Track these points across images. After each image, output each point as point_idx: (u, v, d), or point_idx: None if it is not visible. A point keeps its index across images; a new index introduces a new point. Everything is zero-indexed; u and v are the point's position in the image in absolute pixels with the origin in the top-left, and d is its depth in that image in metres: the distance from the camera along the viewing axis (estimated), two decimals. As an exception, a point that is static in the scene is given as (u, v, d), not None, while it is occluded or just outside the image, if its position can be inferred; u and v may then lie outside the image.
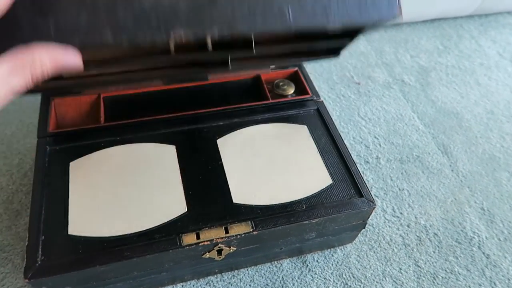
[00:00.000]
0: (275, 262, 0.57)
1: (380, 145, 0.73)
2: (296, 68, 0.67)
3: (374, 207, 0.51)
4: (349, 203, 0.51)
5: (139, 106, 0.62)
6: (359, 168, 0.55)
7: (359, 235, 0.60)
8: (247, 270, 0.56)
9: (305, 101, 0.62)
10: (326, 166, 0.54)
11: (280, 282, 0.55)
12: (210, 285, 0.54)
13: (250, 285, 0.54)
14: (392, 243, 0.60)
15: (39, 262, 0.43)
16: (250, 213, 0.49)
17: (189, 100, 0.63)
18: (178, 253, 0.46)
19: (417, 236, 0.61)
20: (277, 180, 0.52)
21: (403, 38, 0.96)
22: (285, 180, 0.52)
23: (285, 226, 0.48)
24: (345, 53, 0.90)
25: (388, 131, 0.75)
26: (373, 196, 0.52)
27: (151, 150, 0.54)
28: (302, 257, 0.58)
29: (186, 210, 0.49)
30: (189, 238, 0.46)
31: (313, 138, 0.57)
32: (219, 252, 0.48)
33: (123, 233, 0.46)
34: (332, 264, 0.57)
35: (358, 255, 0.58)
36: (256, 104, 0.61)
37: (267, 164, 0.54)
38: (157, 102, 0.63)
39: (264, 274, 0.56)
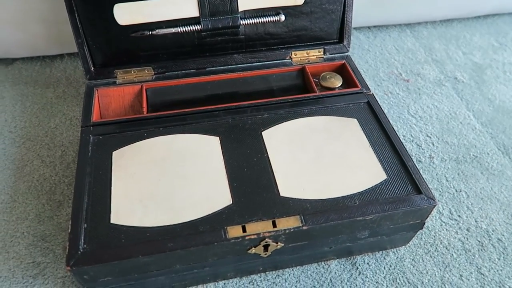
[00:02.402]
0: (323, 263, 0.53)
1: (433, 144, 0.68)
2: (343, 61, 0.64)
3: (435, 205, 0.46)
4: (406, 200, 0.46)
5: (181, 97, 0.60)
6: (414, 165, 0.51)
7: (414, 238, 0.55)
8: (293, 270, 0.52)
9: (354, 94, 0.59)
10: (380, 160, 0.50)
11: (328, 284, 0.51)
12: (253, 284, 0.51)
13: (295, 286, 0.51)
14: (451, 248, 0.55)
15: (81, 250, 0.41)
16: (298, 207, 0.46)
17: (231, 92, 0.61)
18: (223, 247, 0.43)
19: (479, 241, 0.56)
20: (326, 174, 0.49)
21: (454, 35, 0.91)
22: (335, 174, 0.49)
23: (337, 222, 0.44)
24: (392, 49, 0.86)
25: (441, 129, 0.70)
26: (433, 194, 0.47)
27: (194, 141, 0.52)
28: (352, 258, 0.53)
29: (231, 202, 0.46)
30: (234, 231, 0.43)
31: (364, 132, 0.54)
32: (266, 247, 0.45)
33: (166, 224, 0.44)
34: (384, 268, 0.53)
35: (413, 259, 0.54)
36: (302, 96, 0.58)
37: (315, 157, 0.51)
38: (200, 94, 0.61)
39: (311, 275, 0.52)
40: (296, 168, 0.49)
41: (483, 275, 0.52)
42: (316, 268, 0.53)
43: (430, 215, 0.56)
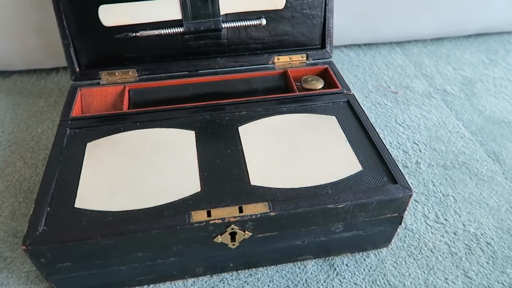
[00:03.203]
0: (299, 263, 0.50)
1: (420, 150, 0.66)
2: (326, 66, 0.65)
3: (411, 195, 0.44)
4: (381, 189, 0.45)
5: (163, 97, 0.61)
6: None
7: (396, 240, 0.52)
8: (267, 269, 0.50)
9: (334, 94, 0.59)
10: (356, 153, 0.49)
11: (303, 285, 0.48)
12: (224, 283, 0.48)
13: (268, 286, 0.48)
14: (436, 251, 0.52)
15: (40, 231, 0.40)
16: (268, 195, 0.44)
17: (213, 93, 0.62)
18: (186, 232, 0.41)
19: (466, 245, 0.53)
20: (300, 165, 0.48)
21: (444, 52, 0.91)
22: (309, 166, 0.48)
23: (307, 210, 0.43)
24: (381, 65, 0.87)
25: (429, 137, 0.69)
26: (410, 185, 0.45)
27: (170, 135, 0.52)
28: (330, 259, 0.51)
29: (199, 189, 0.45)
30: (199, 215, 0.42)
31: (342, 128, 0.53)
32: (233, 236, 0.43)
33: (130, 209, 0.43)
34: (364, 269, 0.50)
35: (395, 261, 0.51)
36: (281, 96, 0.58)
37: (290, 150, 0.50)
38: (182, 95, 0.62)
39: (285, 275, 0.49)
40: (270, 159, 0.48)
41: (470, 278, 0.49)
42: (292, 268, 0.50)
43: (414, 219, 0.54)
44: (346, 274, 0.49)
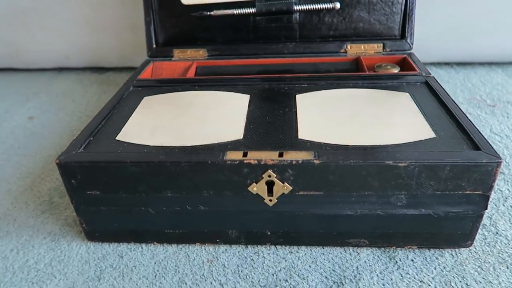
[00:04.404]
0: (350, 249, 0.42)
1: (521, 159, 0.54)
2: (404, 56, 0.59)
3: (499, 163, 0.35)
4: (458, 153, 0.36)
5: (228, 73, 0.60)
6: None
7: (483, 244, 0.41)
8: (310, 249, 0.42)
9: (411, 76, 0.52)
10: (429, 123, 0.41)
11: (353, 272, 0.39)
12: (258, 255, 0.42)
13: (310, 266, 0.40)
14: (539, 262, 0.39)
15: (76, 151, 0.40)
16: (316, 148, 0.38)
17: (279, 71, 0.59)
18: (218, 171, 0.37)
19: None
20: (359, 128, 0.41)
21: (558, 75, 0.78)
22: (370, 129, 0.41)
23: (359, 164, 0.36)
24: (477, 82, 0.77)
25: (534, 148, 0.56)
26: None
27: (224, 96, 0.50)
28: (391, 251, 0.41)
29: (241, 137, 0.41)
30: (234, 155, 0.37)
31: (415, 102, 0.46)
32: (270, 187, 0.38)
33: (166, 145, 0.40)
34: (435, 268, 0.39)
35: (479, 266, 0.39)
36: (349, 74, 0.54)
37: (350, 115, 0.44)
38: (247, 74, 0.60)
39: (332, 259, 0.41)
40: (325, 121, 0.43)
41: None
42: (341, 253, 0.42)
43: (507, 223, 0.43)
44: (409, 270, 0.39)
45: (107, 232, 0.43)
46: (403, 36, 0.60)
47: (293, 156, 0.37)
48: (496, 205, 0.47)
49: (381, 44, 0.60)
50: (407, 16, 0.59)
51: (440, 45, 0.79)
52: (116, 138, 0.42)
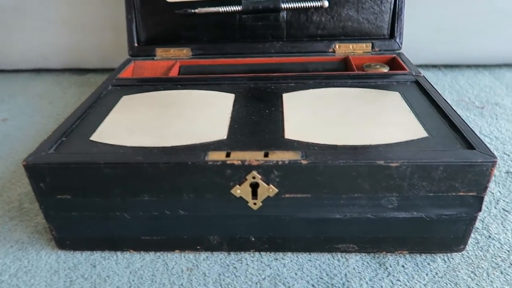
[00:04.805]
0: (339, 256, 0.40)
1: (511, 161, 0.53)
2: (394, 55, 0.57)
3: (494, 162, 0.33)
4: (452, 152, 0.34)
5: (212, 72, 0.58)
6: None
7: (475, 248, 0.40)
8: (297, 256, 0.40)
9: (400, 75, 0.51)
10: (421, 122, 0.40)
11: (342, 279, 0.37)
12: (241, 263, 0.39)
13: (296, 274, 0.38)
14: (535, 267, 0.38)
15: (45, 152, 0.37)
16: (304, 148, 0.36)
17: (265, 70, 0.57)
18: (199, 173, 0.35)
19: None
20: (348, 127, 0.39)
21: (545, 78, 0.78)
22: (360, 128, 0.39)
23: (349, 164, 0.34)
24: (464, 84, 0.76)
25: (524, 150, 0.55)
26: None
27: (208, 95, 0.48)
28: (380, 257, 0.39)
29: (225, 137, 0.39)
30: (216, 155, 0.35)
31: (406, 101, 0.44)
32: (254, 190, 0.35)
33: (145, 145, 0.38)
34: (427, 274, 0.37)
35: (472, 272, 0.37)
36: (337, 73, 0.52)
37: (339, 114, 0.42)
38: (232, 73, 0.58)
39: (320, 265, 0.39)
40: (313, 120, 0.41)
41: None
42: (329, 260, 0.39)
43: (502, 228, 0.41)
44: (400, 276, 0.37)
45: (79, 239, 0.40)
46: (392, 35, 0.59)
47: (279, 156, 0.35)
48: (488, 208, 0.45)
49: (370, 44, 0.59)
50: (396, 15, 0.58)
51: (428, 47, 0.79)
52: (91, 139, 0.40)
